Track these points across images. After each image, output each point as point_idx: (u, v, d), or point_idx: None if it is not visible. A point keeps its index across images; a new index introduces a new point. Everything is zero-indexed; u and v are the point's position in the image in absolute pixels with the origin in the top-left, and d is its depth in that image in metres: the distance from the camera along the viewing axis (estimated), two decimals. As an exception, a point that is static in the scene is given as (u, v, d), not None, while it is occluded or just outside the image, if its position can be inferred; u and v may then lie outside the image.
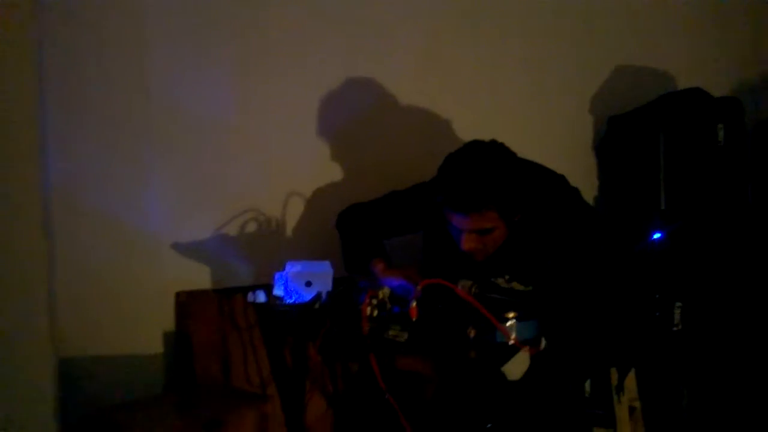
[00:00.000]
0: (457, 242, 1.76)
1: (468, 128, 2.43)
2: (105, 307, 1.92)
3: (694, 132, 2.51)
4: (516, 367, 1.91)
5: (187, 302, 2.03)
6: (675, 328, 2.51)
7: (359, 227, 2.02)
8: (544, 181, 1.88)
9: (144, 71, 1.97)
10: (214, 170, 2.10)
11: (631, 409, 2.22)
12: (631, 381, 2.26)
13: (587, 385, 2.55)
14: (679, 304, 2.51)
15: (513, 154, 1.77)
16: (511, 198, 1.70)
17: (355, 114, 2.37)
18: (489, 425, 2.43)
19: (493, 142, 1.78)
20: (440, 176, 1.73)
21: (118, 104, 1.94)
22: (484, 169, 1.69)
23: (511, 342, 1.46)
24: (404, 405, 1.57)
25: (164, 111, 2.01)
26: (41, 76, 1.66)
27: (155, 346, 2.01)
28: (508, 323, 1.46)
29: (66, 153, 1.84)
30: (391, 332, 1.54)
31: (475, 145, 1.77)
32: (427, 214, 1.88)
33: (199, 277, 2.09)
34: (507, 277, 1.82)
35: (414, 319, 1.51)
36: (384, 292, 1.58)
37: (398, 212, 2.01)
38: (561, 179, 1.90)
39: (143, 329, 2.00)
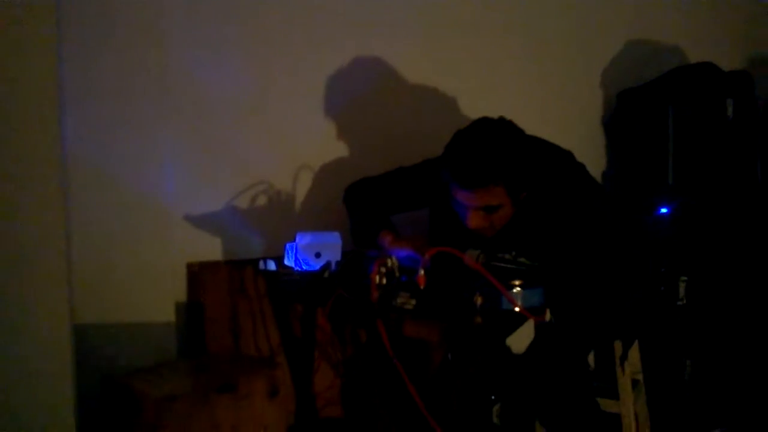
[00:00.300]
0: (462, 220, 1.78)
1: (476, 105, 2.43)
2: (118, 275, 1.95)
3: (704, 106, 2.52)
4: (520, 340, 1.94)
5: (198, 273, 2.06)
6: (679, 302, 2.54)
7: (366, 202, 2.04)
8: (551, 157, 1.88)
9: (161, 44, 1.99)
10: (226, 143, 2.12)
11: (634, 382, 2.25)
12: (634, 354, 2.29)
13: (591, 358, 2.59)
14: (684, 278, 2.53)
15: (521, 131, 1.78)
16: (518, 174, 1.71)
17: (364, 90, 2.39)
18: (493, 397, 2.48)
19: (501, 120, 1.78)
20: (447, 153, 1.75)
21: (133, 76, 1.95)
22: (491, 145, 1.70)
23: (517, 309, 1.48)
24: (411, 372, 1.60)
25: (179, 84, 2.02)
26: (59, 49, 1.67)
27: (167, 315, 2.04)
28: (514, 290, 1.48)
29: (81, 124, 1.86)
30: (399, 300, 1.57)
31: (483, 122, 1.78)
32: (433, 191, 1.89)
33: (210, 248, 2.11)
34: (513, 253, 1.84)
35: (422, 287, 1.53)
36: (393, 261, 1.60)
37: (405, 188, 2.02)
38: (568, 155, 1.90)
39: (155, 298, 2.03)
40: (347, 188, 2.10)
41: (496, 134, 1.73)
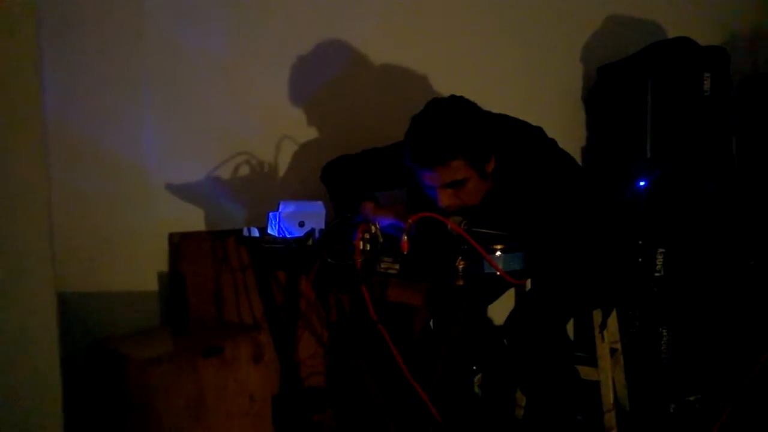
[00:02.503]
0: (435, 202, 1.78)
1: (457, 83, 2.43)
2: (100, 244, 1.94)
3: (681, 81, 2.55)
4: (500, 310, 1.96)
5: (180, 243, 2.05)
6: (657, 274, 2.58)
7: (345, 178, 2.05)
8: (521, 133, 1.89)
9: (141, 11, 1.96)
10: (207, 113, 2.11)
11: (613, 350, 2.30)
12: (612, 323, 2.33)
13: (570, 328, 2.63)
14: (661, 250, 2.58)
15: (473, 105, 1.81)
16: (474, 144, 1.73)
17: (347, 63, 2.38)
18: (474, 367, 2.52)
19: (452, 97, 1.81)
20: (406, 138, 1.78)
21: (114, 43, 1.93)
22: (443, 122, 1.73)
23: (498, 273, 1.50)
24: (395, 337, 1.62)
25: (162, 52, 2.01)
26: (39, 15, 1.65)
27: (150, 284, 2.04)
28: (496, 254, 1.51)
29: (62, 91, 1.84)
30: (383, 265, 1.59)
31: (434, 102, 1.81)
32: (407, 173, 1.89)
33: (192, 218, 2.11)
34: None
35: (405, 252, 1.55)
36: (376, 227, 1.62)
37: (381, 169, 2.02)
38: (537, 131, 1.92)
39: (138, 268, 2.02)
40: (325, 166, 2.10)
41: (446, 111, 1.76)
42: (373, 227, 1.62)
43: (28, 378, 1.58)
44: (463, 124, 1.72)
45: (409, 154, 1.75)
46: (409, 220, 1.57)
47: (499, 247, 1.52)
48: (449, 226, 1.59)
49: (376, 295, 1.58)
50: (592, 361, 2.20)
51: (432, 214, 1.57)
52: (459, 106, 1.78)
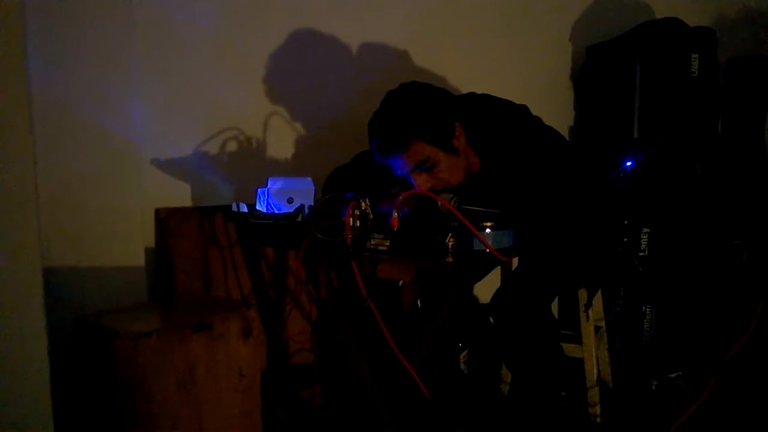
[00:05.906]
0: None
1: (447, 62, 2.45)
2: (87, 219, 1.92)
3: (670, 61, 2.55)
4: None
5: (167, 219, 2.04)
6: (641, 254, 2.60)
7: (344, 187, 2.03)
8: (503, 110, 1.89)
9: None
10: (196, 86, 2.09)
11: (597, 328, 2.32)
12: (597, 302, 2.36)
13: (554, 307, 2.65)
14: (646, 230, 2.60)
15: (424, 85, 1.80)
16: (424, 121, 1.73)
17: (339, 38, 2.36)
18: (460, 344, 2.54)
19: (402, 85, 1.81)
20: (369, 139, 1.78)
21: (102, 16, 1.90)
22: (391, 110, 1.74)
23: (488, 250, 1.50)
24: (384, 315, 1.62)
25: (150, 26, 1.98)
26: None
27: (137, 260, 2.02)
28: (486, 231, 1.51)
29: (48, 65, 1.81)
30: (373, 241, 1.59)
31: (385, 95, 1.81)
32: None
33: (179, 194, 2.10)
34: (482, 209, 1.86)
35: (395, 229, 1.55)
36: (366, 203, 1.61)
37: (371, 171, 2.00)
38: (522, 109, 1.91)
39: (125, 243, 2.00)
40: (324, 183, 2.07)
41: (394, 99, 1.77)
42: (363, 203, 1.61)
43: (15, 353, 1.57)
44: (410, 106, 1.73)
45: (372, 150, 1.77)
46: (400, 197, 1.56)
47: (488, 224, 1.53)
48: (439, 203, 1.59)
49: (366, 272, 1.58)
50: (577, 339, 2.23)
51: (424, 191, 1.57)
52: (406, 91, 1.79)
